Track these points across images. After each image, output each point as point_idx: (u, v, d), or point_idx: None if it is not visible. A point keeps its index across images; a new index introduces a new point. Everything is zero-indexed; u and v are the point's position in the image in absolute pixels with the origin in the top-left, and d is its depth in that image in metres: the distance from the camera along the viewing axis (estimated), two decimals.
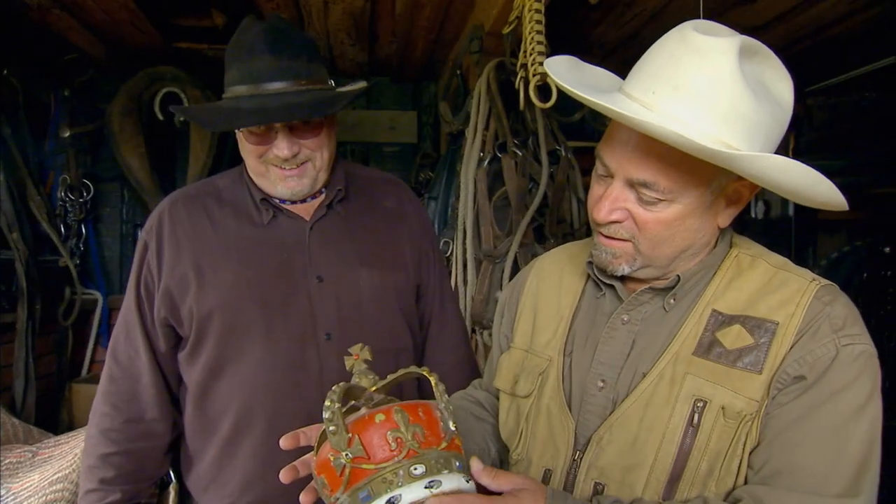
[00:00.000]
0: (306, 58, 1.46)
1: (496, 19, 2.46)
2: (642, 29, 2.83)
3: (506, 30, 2.25)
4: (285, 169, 1.47)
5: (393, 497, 0.91)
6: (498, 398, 1.39)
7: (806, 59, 3.13)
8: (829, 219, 3.34)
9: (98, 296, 3.15)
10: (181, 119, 3.10)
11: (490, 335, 2.39)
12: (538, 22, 1.99)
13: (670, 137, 0.93)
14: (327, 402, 0.96)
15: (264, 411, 1.50)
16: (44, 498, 1.91)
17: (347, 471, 0.93)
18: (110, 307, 3.15)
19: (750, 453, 1.05)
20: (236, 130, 1.48)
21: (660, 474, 1.08)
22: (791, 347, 1.03)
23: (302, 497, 1.04)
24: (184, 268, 1.50)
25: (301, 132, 1.45)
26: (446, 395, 1.06)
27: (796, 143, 3.40)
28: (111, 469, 1.52)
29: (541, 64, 1.96)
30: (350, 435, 0.94)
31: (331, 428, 0.94)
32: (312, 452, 1.04)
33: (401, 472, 0.92)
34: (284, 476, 1.06)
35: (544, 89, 2.01)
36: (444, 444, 0.98)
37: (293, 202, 1.56)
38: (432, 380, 1.07)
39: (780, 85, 1.04)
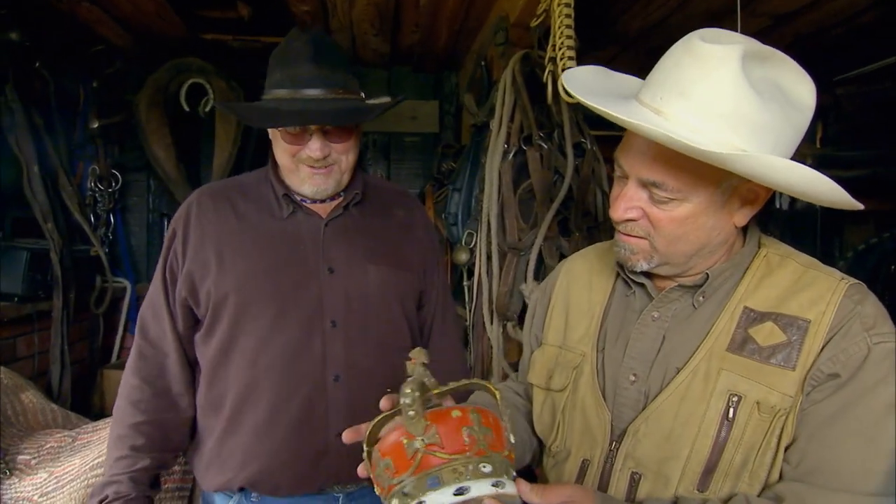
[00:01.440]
0: (343, 70, 1.58)
1: (522, 11, 2.46)
2: (669, 18, 2.81)
3: (534, 23, 2.26)
4: (315, 168, 1.57)
5: (462, 488, 0.94)
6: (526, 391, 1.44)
7: (837, 47, 3.10)
8: (856, 210, 3.32)
9: (126, 283, 3.22)
10: (206, 110, 3.16)
11: (513, 327, 2.43)
12: (567, 16, 2.00)
13: (659, 137, 0.97)
14: (407, 389, 0.99)
15: (267, 390, 1.58)
16: (86, 482, 1.98)
17: (420, 456, 0.96)
18: (138, 294, 3.22)
19: (786, 448, 1.07)
20: (271, 129, 1.59)
21: (695, 466, 1.11)
22: (824, 345, 1.06)
23: (360, 469, 1.08)
24: (206, 253, 1.59)
25: (332, 136, 1.55)
26: (508, 411, 1.08)
27: (824, 133, 3.37)
28: (141, 437, 1.59)
29: (570, 58, 1.98)
30: (427, 423, 0.97)
31: (410, 413, 0.97)
32: (366, 432, 1.08)
33: (471, 466, 0.95)
34: (347, 437, 1.12)
35: None
36: (505, 453, 1.01)
37: (313, 201, 1.65)
38: (497, 395, 1.10)
39: (799, 88, 1.06)
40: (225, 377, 1.60)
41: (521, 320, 2.41)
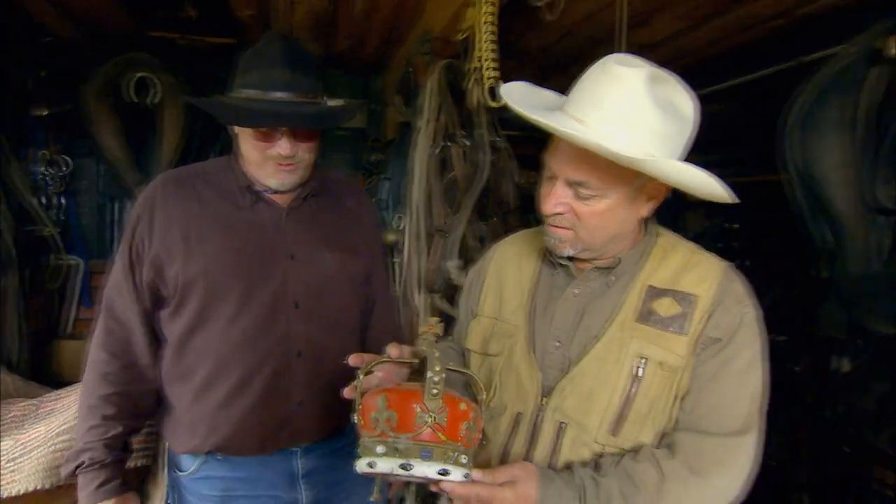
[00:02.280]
0: (313, 77, 1.52)
1: (444, 27, 2.47)
2: (558, 42, 2.90)
3: (459, 37, 2.25)
4: (282, 164, 1.50)
5: (445, 469, 0.97)
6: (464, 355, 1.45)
7: (683, 75, 3.28)
8: (693, 200, 3.56)
9: (79, 261, 2.98)
10: (154, 101, 2.95)
11: (440, 298, 2.45)
12: (492, 33, 2.00)
13: (591, 146, 1.00)
14: (437, 367, 1.00)
15: (236, 364, 1.52)
16: (52, 447, 1.85)
17: (425, 428, 0.97)
18: (91, 271, 3.00)
19: (682, 399, 1.13)
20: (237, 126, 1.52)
21: (610, 415, 1.15)
22: (709, 316, 1.13)
23: (347, 391, 1.08)
24: (173, 238, 1.50)
25: (300, 136, 1.50)
26: (486, 419, 1.13)
27: None
28: (112, 407, 1.52)
29: (494, 69, 1.97)
30: (442, 404, 0.98)
31: (434, 391, 0.98)
32: (366, 365, 1.08)
33: (456, 454, 0.98)
34: (353, 361, 1.12)
35: (492, 89, 2.04)
36: (474, 447, 1.04)
37: (274, 192, 1.58)
38: (483, 397, 1.14)
39: (685, 104, 1.11)
40: (193, 351, 1.54)
41: (444, 293, 2.42)
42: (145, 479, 2.07)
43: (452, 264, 2.38)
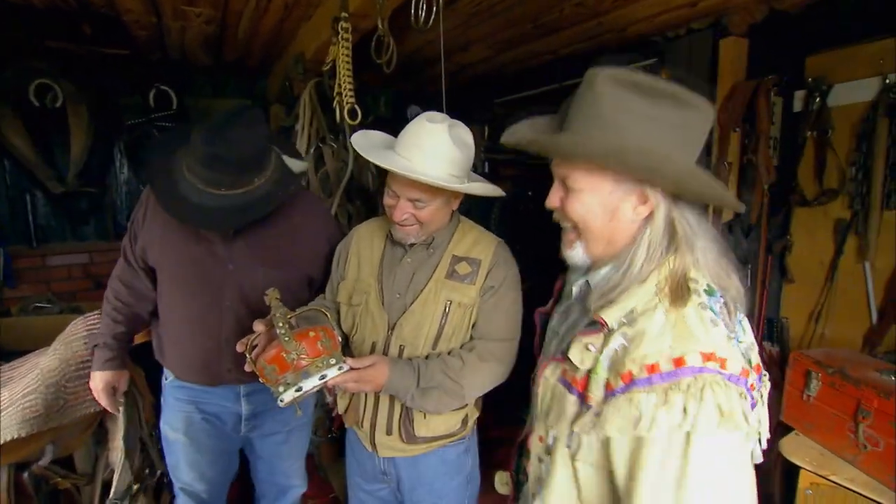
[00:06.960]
0: (237, 172, 1.44)
1: (315, 52, 2.53)
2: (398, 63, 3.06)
3: (325, 68, 2.34)
4: None
5: (323, 375, 1.09)
6: (335, 305, 1.53)
7: (492, 86, 3.69)
8: (504, 175, 3.98)
9: None
10: (55, 105, 2.72)
11: None
12: (348, 67, 2.14)
13: (414, 177, 1.21)
14: (280, 323, 1.09)
15: (189, 316, 1.62)
16: (20, 407, 1.71)
17: (294, 361, 1.07)
18: (13, 255, 2.72)
19: (474, 325, 1.35)
20: None
21: (431, 337, 1.34)
22: (488, 273, 1.34)
23: (247, 367, 1.15)
24: (153, 231, 1.61)
25: None
26: (337, 326, 1.23)
27: (490, 133, 3.92)
28: (118, 314, 1.67)
29: (351, 95, 2.13)
30: (296, 342, 1.08)
31: (285, 338, 1.07)
32: (247, 345, 1.14)
33: (324, 362, 1.10)
34: (239, 348, 1.18)
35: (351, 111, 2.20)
36: (338, 350, 1.16)
37: None
38: (329, 316, 1.26)
39: (468, 137, 1.30)
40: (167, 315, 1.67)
41: None
42: None
43: None
